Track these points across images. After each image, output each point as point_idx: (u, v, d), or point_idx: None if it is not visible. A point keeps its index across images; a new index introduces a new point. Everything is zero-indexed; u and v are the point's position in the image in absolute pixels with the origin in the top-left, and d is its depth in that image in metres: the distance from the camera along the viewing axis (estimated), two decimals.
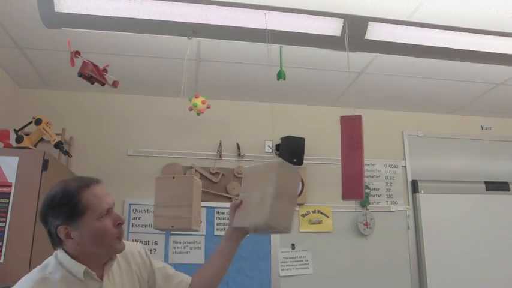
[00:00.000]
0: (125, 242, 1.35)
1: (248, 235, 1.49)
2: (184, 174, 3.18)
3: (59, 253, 1.24)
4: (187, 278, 1.48)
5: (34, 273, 1.21)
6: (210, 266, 1.48)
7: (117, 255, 1.32)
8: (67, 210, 1.19)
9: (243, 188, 1.51)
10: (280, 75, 2.23)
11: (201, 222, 1.67)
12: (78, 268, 1.20)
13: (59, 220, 1.19)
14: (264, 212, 1.31)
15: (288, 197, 1.38)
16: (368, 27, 2.08)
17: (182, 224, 1.53)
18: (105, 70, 2.14)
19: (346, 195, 1.76)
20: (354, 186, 1.74)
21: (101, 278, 1.26)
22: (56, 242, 1.23)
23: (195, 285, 1.46)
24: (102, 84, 2.14)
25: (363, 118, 1.84)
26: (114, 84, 2.19)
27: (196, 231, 1.62)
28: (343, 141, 1.82)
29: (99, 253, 1.25)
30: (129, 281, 1.35)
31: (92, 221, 1.20)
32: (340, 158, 1.82)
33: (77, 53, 2.01)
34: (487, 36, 2.21)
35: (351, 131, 1.81)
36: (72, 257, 1.22)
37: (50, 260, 1.25)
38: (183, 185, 1.59)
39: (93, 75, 2.04)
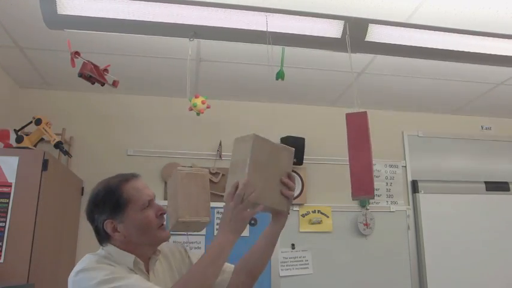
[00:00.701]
0: (165, 244, 1.40)
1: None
2: None
3: (108, 247, 1.28)
4: (230, 267, 1.49)
5: (90, 256, 1.25)
6: (254, 251, 1.49)
7: (160, 254, 1.37)
8: (111, 204, 1.26)
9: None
10: (279, 75, 2.23)
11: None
12: (128, 258, 1.25)
13: (104, 215, 1.26)
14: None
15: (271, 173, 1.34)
16: (368, 29, 2.09)
17: (172, 219, 1.50)
18: (106, 70, 2.14)
19: (357, 193, 1.72)
20: (363, 184, 1.71)
21: (147, 271, 1.30)
22: (104, 237, 1.28)
23: (238, 271, 1.47)
24: (102, 84, 2.14)
25: (368, 114, 1.82)
26: (114, 83, 2.19)
27: (203, 222, 1.54)
28: (349, 138, 1.79)
29: (145, 243, 1.30)
30: (171, 280, 1.38)
31: (135, 213, 1.26)
32: (343, 158, 1.81)
33: (77, 53, 2.01)
34: (487, 38, 2.21)
35: (358, 127, 1.78)
36: (120, 249, 1.27)
37: (99, 252, 1.29)
38: (173, 180, 1.59)
39: (92, 75, 2.04)
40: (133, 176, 1.34)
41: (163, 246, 1.40)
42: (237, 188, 1.24)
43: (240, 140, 1.43)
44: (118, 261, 1.24)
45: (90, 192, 1.33)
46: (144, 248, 1.30)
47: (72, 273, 1.19)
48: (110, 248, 1.28)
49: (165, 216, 1.34)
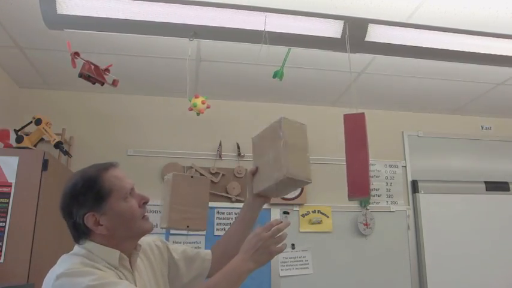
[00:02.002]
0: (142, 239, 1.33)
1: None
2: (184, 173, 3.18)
3: (87, 244, 1.17)
4: (208, 255, 1.46)
5: (71, 259, 1.14)
6: (232, 235, 1.47)
7: (140, 249, 1.29)
8: (91, 195, 1.15)
9: (254, 157, 1.54)
10: (277, 75, 2.22)
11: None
12: (113, 254, 1.16)
13: (85, 208, 1.15)
14: (281, 165, 1.33)
15: (300, 148, 1.41)
16: (368, 29, 2.09)
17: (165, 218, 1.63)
18: (107, 70, 2.14)
19: (352, 193, 1.73)
20: (360, 184, 1.72)
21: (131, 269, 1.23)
22: (84, 233, 1.17)
23: (219, 258, 1.44)
24: (102, 84, 2.14)
25: (366, 115, 1.82)
26: (114, 83, 2.19)
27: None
28: (347, 140, 1.79)
29: (128, 236, 1.21)
30: (153, 276, 1.33)
31: (118, 203, 1.17)
32: (343, 158, 1.79)
33: (76, 54, 2.01)
34: (487, 38, 2.21)
35: (355, 129, 1.79)
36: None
37: (78, 250, 1.18)
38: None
39: (91, 75, 2.04)
40: (111, 165, 1.23)
41: (142, 241, 1.32)
42: (276, 222, 1.22)
43: (267, 129, 1.49)
44: (101, 259, 1.14)
45: (64, 184, 1.21)
46: (126, 243, 1.21)
47: (50, 276, 1.08)
48: (89, 245, 1.16)
49: (147, 206, 1.25)
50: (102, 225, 1.15)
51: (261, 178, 1.45)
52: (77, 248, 1.19)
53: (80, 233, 1.18)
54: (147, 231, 1.25)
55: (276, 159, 1.38)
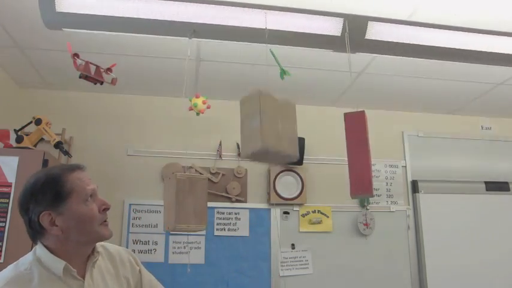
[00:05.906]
0: (112, 245, 1.33)
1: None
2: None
3: (38, 249, 1.17)
4: None
5: (7, 271, 1.14)
6: None
7: (104, 256, 1.29)
8: (51, 194, 1.14)
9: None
10: (286, 74, 2.22)
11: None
12: (58, 264, 1.13)
13: (42, 206, 1.14)
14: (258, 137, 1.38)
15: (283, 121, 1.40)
16: (368, 26, 2.08)
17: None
18: (109, 69, 2.14)
19: (355, 191, 1.74)
20: (362, 182, 1.72)
21: (82, 277, 1.19)
22: (38, 231, 1.16)
23: None
24: (101, 83, 2.15)
25: (366, 113, 1.83)
26: (113, 81, 2.20)
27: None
28: (348, 138, 1.80)
29: (84, 242, 1.19)
30: (115, 285, 1.28)
31: (77, 205, 1.16)
32: (343, 158, 1.82)
33: (76, 55, 2.01)
34: (489, 35, 2.20)
35: (356, 127, 1.80)
36: (52, 251, 1.15)
37: (26, 258, 1.17)
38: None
39: (88, 74, 2.04)
40: (78, 167, 1.23)
41: (112, 249, 1.33)
42: None
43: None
44: (46, 268, 1.13)
45: (26, 180, 1.19)
46: (80, 248, 1.20)
47: None
48: (41, 251, 1.15)
49: (107, 212, 1.23)
50: (57, 225, 1.14)
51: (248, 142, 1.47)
52: (27, 255, 1.18)
53: (35, 231, 1.17)
54: (105, 237, 1.23)
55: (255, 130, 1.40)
